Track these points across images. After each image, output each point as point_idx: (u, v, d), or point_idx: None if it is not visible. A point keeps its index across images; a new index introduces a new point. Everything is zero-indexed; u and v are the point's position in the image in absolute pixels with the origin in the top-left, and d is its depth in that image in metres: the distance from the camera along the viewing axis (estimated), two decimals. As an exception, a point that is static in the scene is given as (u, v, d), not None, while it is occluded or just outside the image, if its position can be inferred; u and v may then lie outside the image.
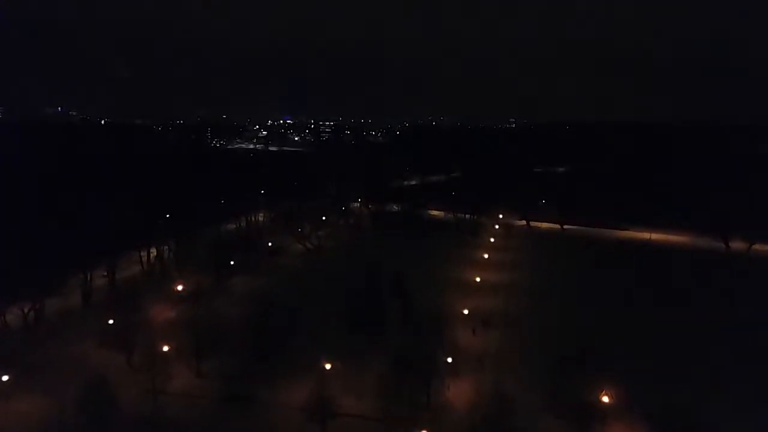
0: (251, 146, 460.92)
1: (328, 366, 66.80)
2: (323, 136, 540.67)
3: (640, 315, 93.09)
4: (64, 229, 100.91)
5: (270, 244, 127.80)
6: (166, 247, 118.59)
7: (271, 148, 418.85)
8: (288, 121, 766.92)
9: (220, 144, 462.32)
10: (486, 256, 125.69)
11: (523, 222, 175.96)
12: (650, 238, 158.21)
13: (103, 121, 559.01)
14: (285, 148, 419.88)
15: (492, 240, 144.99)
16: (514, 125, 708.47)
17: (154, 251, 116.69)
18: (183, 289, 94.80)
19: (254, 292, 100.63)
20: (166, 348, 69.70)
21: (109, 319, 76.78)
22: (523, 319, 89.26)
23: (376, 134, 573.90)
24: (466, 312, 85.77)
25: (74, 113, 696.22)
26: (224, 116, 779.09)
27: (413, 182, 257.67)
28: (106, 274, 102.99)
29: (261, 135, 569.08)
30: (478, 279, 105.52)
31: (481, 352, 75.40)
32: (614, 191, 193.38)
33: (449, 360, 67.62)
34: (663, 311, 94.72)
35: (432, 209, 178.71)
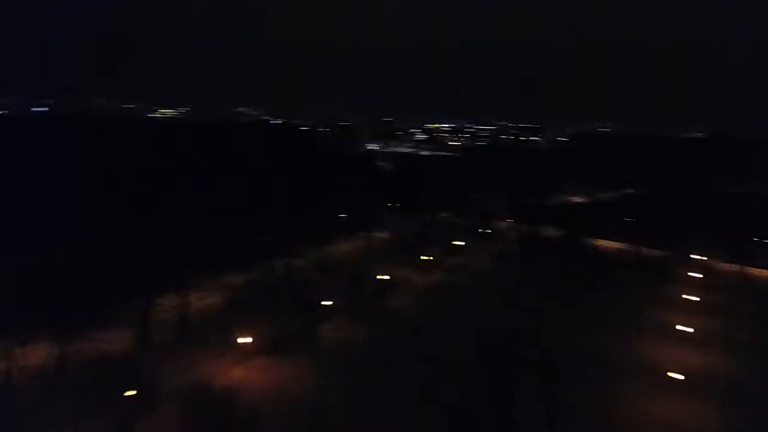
0: (403, 150, 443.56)
1: None
2: (481, 141, 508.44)
3: None
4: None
5: (379, 276, 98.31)
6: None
7: (422, 152, 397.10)
8: (447, 126, 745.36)
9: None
10: (690, 329, 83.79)
11: (734, 266, 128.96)
12: None
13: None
14: (437, 153, 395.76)
15: (693, 298, 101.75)
16: (702, 135, 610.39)
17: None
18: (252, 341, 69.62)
19: (344, 349, 73.47)
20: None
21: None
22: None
23: (538, 140, 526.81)
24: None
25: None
26: (390, 119, 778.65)
27: (579, 199, 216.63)
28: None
29: (417, 138, 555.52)
30: (681, 376, 66.24)
31: None
32: None
33: None
34: None
35: (601, 238, 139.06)
